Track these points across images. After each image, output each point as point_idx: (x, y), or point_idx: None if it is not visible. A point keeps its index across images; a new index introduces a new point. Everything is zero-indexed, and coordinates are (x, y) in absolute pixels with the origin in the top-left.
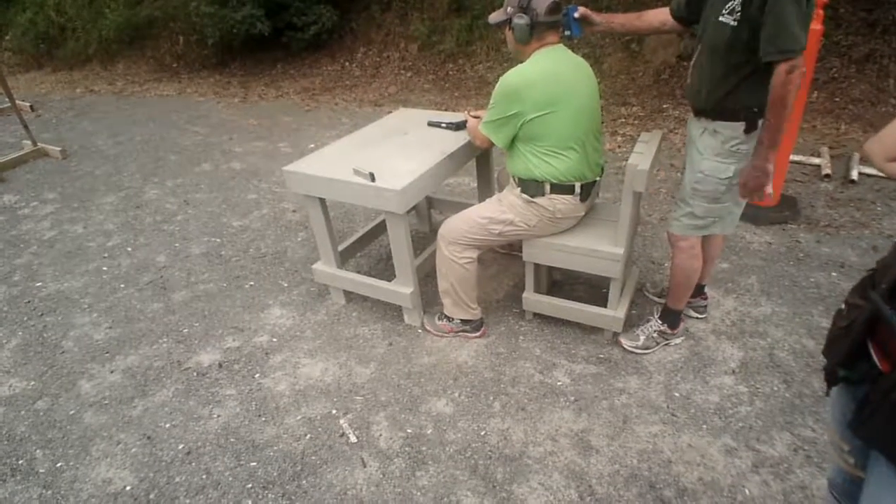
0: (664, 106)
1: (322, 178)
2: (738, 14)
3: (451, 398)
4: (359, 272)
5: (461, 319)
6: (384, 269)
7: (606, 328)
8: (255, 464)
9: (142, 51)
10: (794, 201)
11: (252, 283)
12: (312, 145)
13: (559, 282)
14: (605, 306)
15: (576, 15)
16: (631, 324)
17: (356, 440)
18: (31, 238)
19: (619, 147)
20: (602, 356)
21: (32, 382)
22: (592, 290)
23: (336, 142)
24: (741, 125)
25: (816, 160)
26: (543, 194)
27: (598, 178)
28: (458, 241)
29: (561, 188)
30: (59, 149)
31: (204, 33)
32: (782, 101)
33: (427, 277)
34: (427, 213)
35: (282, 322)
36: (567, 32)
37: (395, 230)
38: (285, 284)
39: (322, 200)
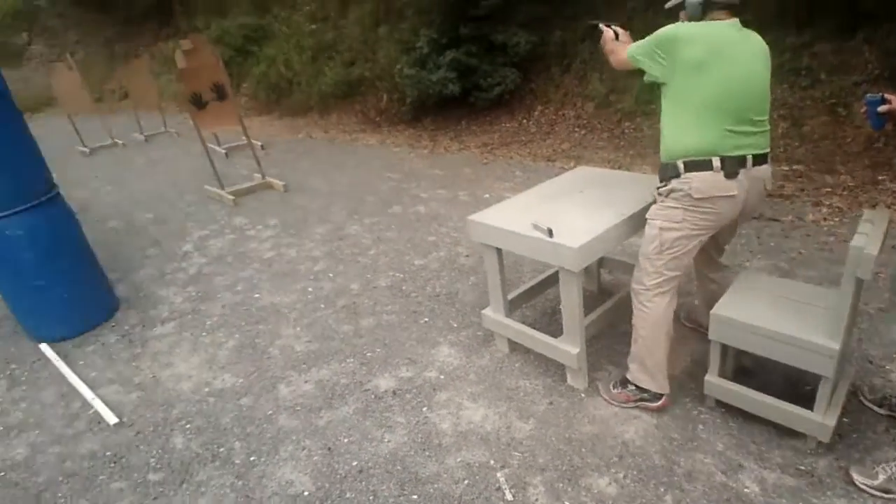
0: (879, 177)
1: (502, 229)
2: None
3: (616, 479)
4: (524, 323)
5: (641, 387)
6: (548, 323)
7: (810, 435)
8: (416, 497)
9: (352, 105)
10: None
11: (426, 319)
12: (487, 195)
13: (749, 369)
14: (808, 406)
15: (881, 109)
16: (840, 433)
17: (512, 499)
18: (254, 256)
19: (825, 220)
20: (802, 468)
21: (241, 380)
22: (790, 383)
23: (517, 196)
24: None
25: None
26: (678, 175)
27: (750, 155)
28: (641, 282)
29: (695, 164)
30: (282, 183)
31: (404, 92)
32: None
33: (594, 339)
34: (597, 273)
35: (449, 360)
36: (868, 122)
37: (567, 287)
38: (455, 325)
39: (499, 250)
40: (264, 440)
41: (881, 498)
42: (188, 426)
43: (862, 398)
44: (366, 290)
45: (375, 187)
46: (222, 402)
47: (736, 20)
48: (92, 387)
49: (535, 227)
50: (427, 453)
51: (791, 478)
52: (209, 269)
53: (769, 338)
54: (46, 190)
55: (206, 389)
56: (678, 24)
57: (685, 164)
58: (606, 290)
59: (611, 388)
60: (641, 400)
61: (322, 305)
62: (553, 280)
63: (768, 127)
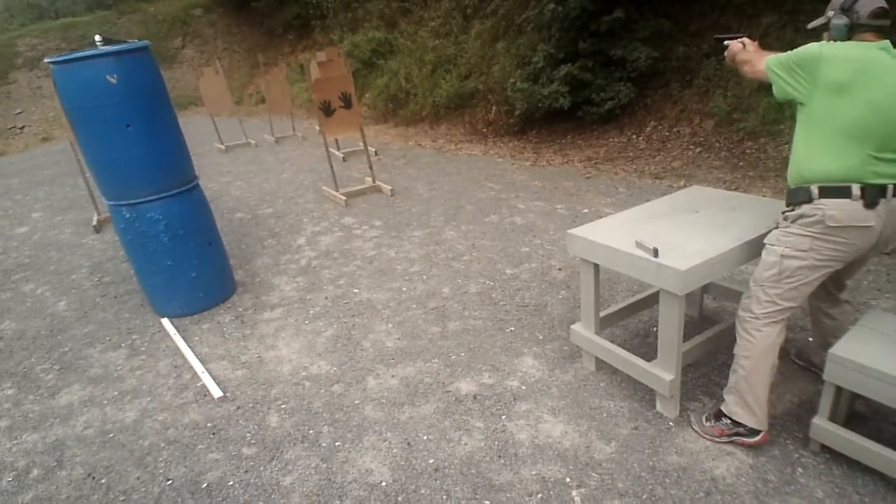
0: None
1: (603, 245)
2: None
3: None
4: (613, 342)
5: (737, 421)
6: (639, 345)
7: None
8: (488, 502)
9: (461, 116)
10: None
11: (512, 328)
12: (586, 210)
13: (862, 414)
14: None
15: None
16: None
17: None
18: (357, 253)
19: None
20: None
21: (334, 368)
22: None
23: (621, 212)
24: None
25: None
26: (810, 200)
27: (891, 185)
28: (750, 310)
29: (832, 191)
30: (389, 188)
31: (514, 105)
32: None
33: (689, 367)
34: (699, 298)
35: (532, 372)
36: None
37: (668, 310)
38: (541, 337)
39: (597, 266)
40: (350, 427)
41: None
42: (283, 406)
43: None
44: (456, 295)
45: (475, 196)
46: (316, 387)
47: (886, 42)
48: (203, 361)
49: (640, 245)
50: (502, 461)
51: None
52: (317, 263)
53: (891, 384)
54: (189, 180)
55: (303, 373)
56: (823, 42)
57: (821, 189)
58: (708, 317)
59: (703, 420)
60: (737, 434)
61: (414, 305)
62: (649, 301)
63: None
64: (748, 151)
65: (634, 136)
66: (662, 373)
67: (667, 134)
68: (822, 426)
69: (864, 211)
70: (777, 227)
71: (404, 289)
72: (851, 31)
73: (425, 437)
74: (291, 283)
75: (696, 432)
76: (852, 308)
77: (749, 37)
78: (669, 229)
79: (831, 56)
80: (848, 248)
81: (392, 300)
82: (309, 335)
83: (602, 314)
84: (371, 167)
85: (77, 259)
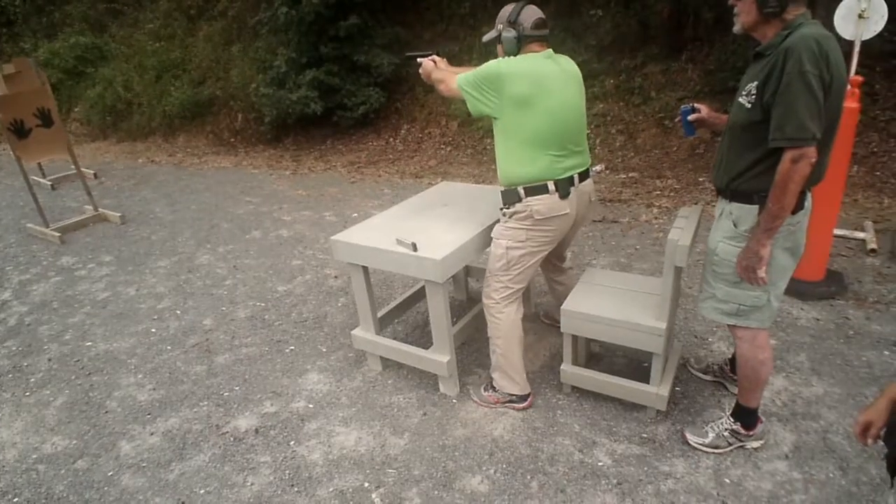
0: (700, 179)
1: (366, 247)
2: (753, 97)
3: (487, 475)
4: (395, 339)
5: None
6: (420, 335)
7: (649, 405)
8: None
9: (202, 126)
10: (841, 276)
11: (292, 347)
12: (355, 214)
13: (598, 354)
14: (647, 382)
15: (690, 118)
16: (674, 401)
17: None
18: (85, 298)
19: (656, 219)
20: (645, 436)
21: (74, 441)
22: (633, 363)
23: (380, 213)
24: (754, 208)
25: (861, 234)
26: (520, 199)
27: (575, 174)
28: (490, 297)
29: (534, 189)
30: (118, 214)
31: (262, 111)
32: (783, 188)
33: (463, 346)
34: (464, 282)
35: (319, 388)
36: (683, 130)
37: (434, 298)
38: (324, 349)
39: (365, 268)
40: None
41: (712, 453)
42: (16, 500)
43: (690, 368)
44: (221, 325)
45: (231, 213)
46: (54, 468)
47: (549, 50)
48: None
49: (400, 242)
50: (296, 489)
51: (637, 446)
52: (31, 319)
53: (609, 325)
54: None
55: (35, 456)
56: (500, 60)
57: (525, 189)
58: (475, 297)
59: (482, 391)
60: (510, 402)
61: (168, 347)
62: (421, 294)
63: (586, 146)
64: (488, 147)
65: (392, 139)
66: (439, 356)
67: (420, 136)
68: (569, 370)
69: (561, 202)
70: (499, 222)
71: (153, 330)
72: (520, 42)
73: (202, 491)
74: (0, 351)
75: (476, 402)
76: (574, 272)
77: (437, 54)
78: (424, 224)
79: (510, 73)
80: (555, 232)
81: (139, 346)
82: (34, 409)
83: (380, 314)
84: (90, 193)
85: None
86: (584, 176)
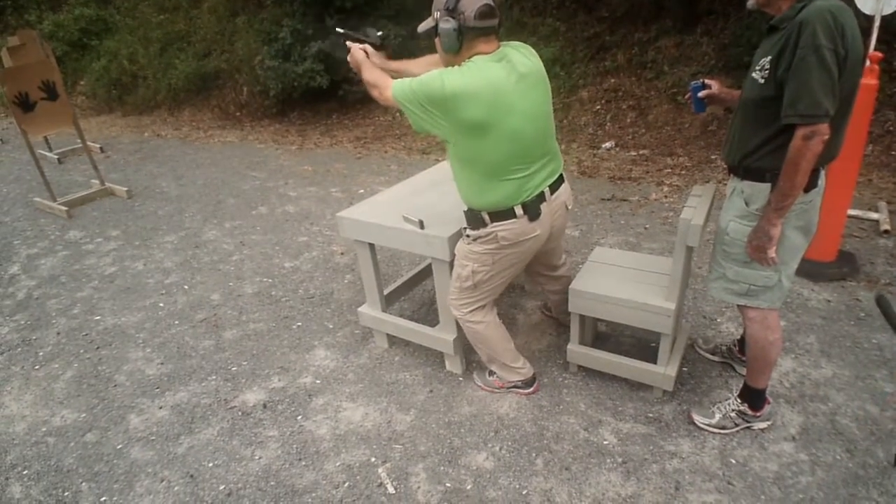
0: (712, 157)
1: (373, 224)
2: (767, 72)
3: (492, 452)
4: (402, 316)
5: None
6: (427, 313)
7: (656, 386)
8: None
9: (207, 99)
10: (853, 257)
11: (299, 323)
12: (362, 190)
13: (605, 333)
14: (654, 362)
15: (701, 94)
16: (681, 381)
17: (394, 492)
18: (92, 273)
19: (666, 197)
20: (651, 415)
21: (83, 414)
22: (640, 343)
23: (387, 189)
24: (766, 187)
25: (875, 215)
26: (484, 224)
27: (546, 188)
28: (460, 310)
29: (499, 214)
30: (125, 189)
31: (267, 85)
32: (795, 166)
33: None
34: None
35: (326, 364)
36: (692, 107)
37: (440, 276)
38: (330, 326)
39: (371, 245)
40: (115, 477)
41: (718, 434)
42: (26, 472)
43: (698, 349)
44: (228, 300)
45: (237, 188)
46: (63, 441)
47: (500, 49)
48: None
49: (406, 219)
50: (303, 463)
51: (642, 426)
52: (40, 293)
53: (617, 305)
54: None
55: (44, 429)
56: (444, 74)
57: (490, 214)
58: None
59: (486, 375)
60: (514, 387)
61: (176, 321)
62: (429, 271)
63: (556, 147)
64: None
65: (399, 115)
66: (445, 334)
67: None
68: (575, 350)
69: (530, 224)
70: (463, 240)
71: (161, 304)
72: (462, 36)
73: (211, 465)
74: (8, 324)
75: (480, 387)
76: (570, 278)
77: (373, 45)
78: (432, 201)
79: (458, 94)
80: (525, 253)
81: (147, 320)
82: (42, 382)
83: (386, 291)
84: (96, 167)
85: None
86: (557, 184)
